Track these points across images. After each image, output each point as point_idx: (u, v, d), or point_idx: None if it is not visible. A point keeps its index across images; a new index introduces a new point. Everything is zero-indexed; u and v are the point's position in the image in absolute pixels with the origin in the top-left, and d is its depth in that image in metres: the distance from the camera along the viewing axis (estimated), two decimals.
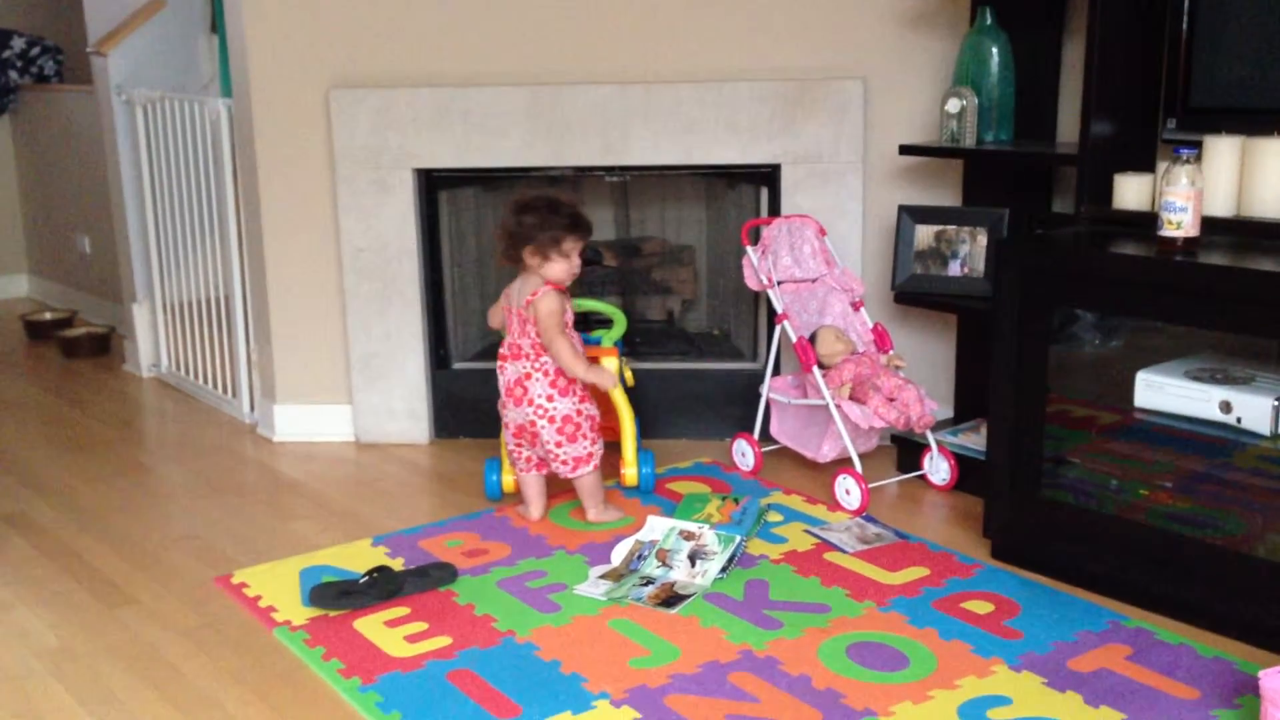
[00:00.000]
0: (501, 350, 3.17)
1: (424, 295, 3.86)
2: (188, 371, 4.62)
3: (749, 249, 3.55)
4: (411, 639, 2.64)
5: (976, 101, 3.36)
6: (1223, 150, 2.75)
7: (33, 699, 2.46)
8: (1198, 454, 2.82)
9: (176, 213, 4.46)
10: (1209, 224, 2.70)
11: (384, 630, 2.68)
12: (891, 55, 3.61)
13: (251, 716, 2.38)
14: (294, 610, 2.79)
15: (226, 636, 2.70)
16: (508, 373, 3.15)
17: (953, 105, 3.38)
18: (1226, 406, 2.67)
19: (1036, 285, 2.82)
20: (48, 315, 5.61)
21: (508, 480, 3.34)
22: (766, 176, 3.75)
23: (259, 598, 2.86)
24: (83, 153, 5.50)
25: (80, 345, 5.18)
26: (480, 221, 4.11)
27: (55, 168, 5.92)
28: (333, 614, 2.76)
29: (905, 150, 3.48)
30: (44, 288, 6.30)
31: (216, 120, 4.07)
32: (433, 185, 3.84)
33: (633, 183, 4.06)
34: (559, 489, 3.42)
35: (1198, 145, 2.72)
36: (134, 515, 3.42)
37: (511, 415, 3.17)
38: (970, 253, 3.44)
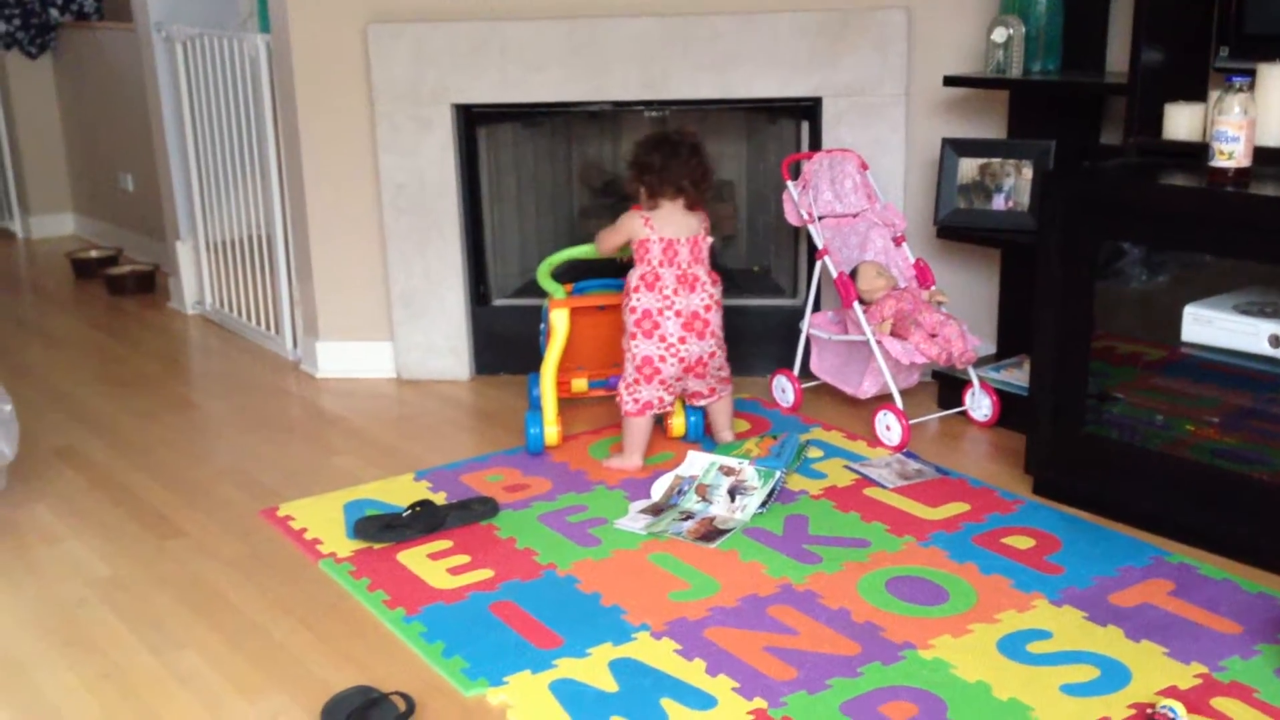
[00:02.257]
0: (660, 286, 3.09)
1: (464, 232, 3.86)
2: (231, 308, 4.66)
3: (789, 184, 3.52)
4: (454, 571, 2.67)
5: (1023, 30, 3.29)
6: (1276, 78, 2.67)
7: (85, 627, 2.52)
8: (1245, 389, 2.78)
9: (218, 150, 4.47)
10: (1262, 154, 2.64)
11: (427, 563, 2.71)
12: None
13: (299, 645, 2.42)
14: (339, 543, 2.83)
15: (273, 568, 2.75)
16: (681, 307, 3.10)
17: (999, 34, 3.32)
18: (1276, 340, 2.63)
19: (1083, 218, 2.78)
20: (93, 253, 5.67)
21: (550, 432, 3.29)
22: (807, 110, 3.70)
23: (304, 530, 2.90)
24: (124, 90, 5.53)
25: (125, 283, 5.24)
26: (519, 157, 4.09)
27: (98, 106, 5.95)
28: (377, 547, 2.80)
29: (949, 81, 3.42)
30: (89, 226, 6.36)
31: (255, 56, 4.06)
32: (472, 121, 3.83)
33: (672, 118, 4.02)
34: (601, 424, 3.45)
35: (1251, 73, 2.65)
36: (181, 449, 3.47)
37: (693, 349, 3.13)
38: (1015, 186, 3.39)
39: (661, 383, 3.15)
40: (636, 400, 3.14)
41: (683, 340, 3.11)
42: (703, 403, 3.29)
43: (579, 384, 3.54)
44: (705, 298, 3.13)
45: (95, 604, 2.61)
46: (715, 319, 3.16)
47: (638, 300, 3.12)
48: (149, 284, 5.26)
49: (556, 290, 3.41)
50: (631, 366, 3.15)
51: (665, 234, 3.11)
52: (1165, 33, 2.92)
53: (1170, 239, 2.75)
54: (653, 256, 3.11)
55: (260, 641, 2.44)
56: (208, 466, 3.35)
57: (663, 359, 3.12)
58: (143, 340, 4.59)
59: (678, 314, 3.10)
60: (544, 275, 3.45)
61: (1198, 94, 2.94)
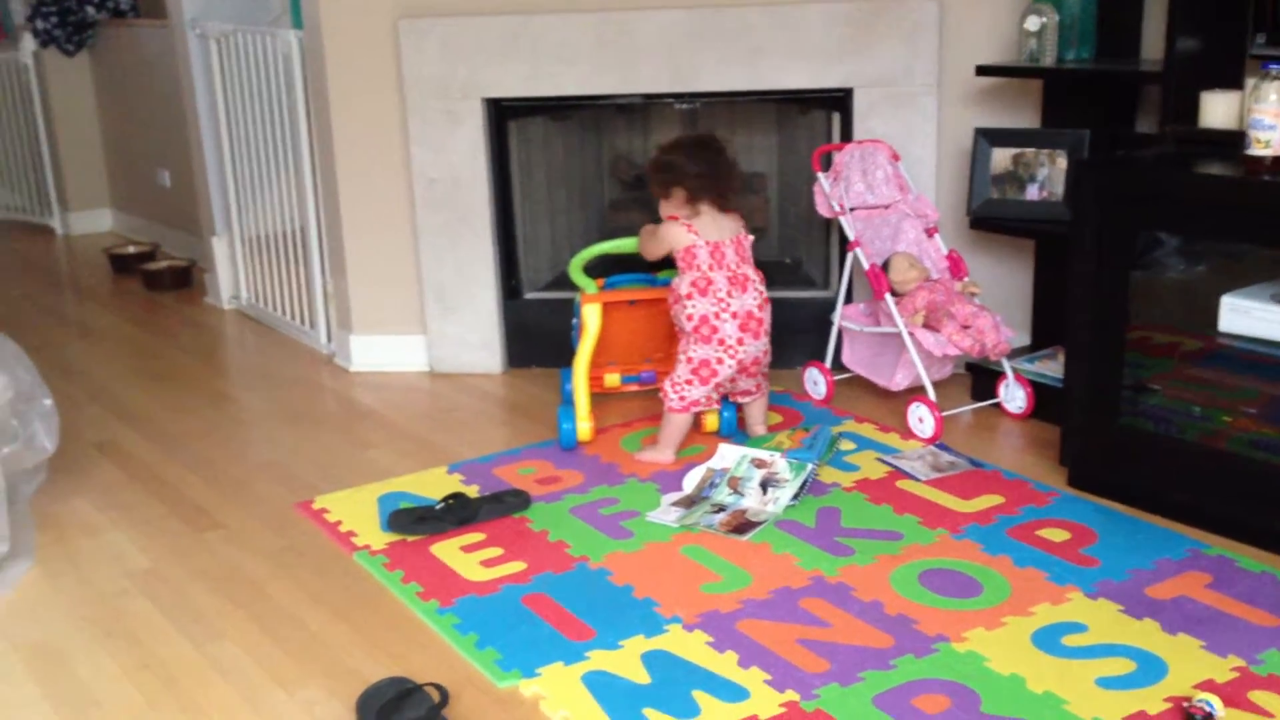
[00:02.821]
0: (714, 290, 3.08)
1: (495, 226, 3.87)
2: (266, 303, 4.70)
3: (820, 175, 3.51)
4: (487, 564, 2.69)
5: (1057, 18, 3.26)
6: None
7: (125, 618, 2.55)
8: None
9: (252, 146, 4.51)
10: None
11: (460, 555, 2.73)
12: None
13: (334, 635, 2.45)
14: (373, 535, 2.85)
15: (309, 560, 2.77)
16: (736, 309, 3.10)
17: (1032, 23, 3.29)
18: None
19: (1118, 208, 2.75)
20: (131, 249, 5.73)
21: (583, 428, 3.28)
22: (839, 101, 3.68)
23: (339, 523, 2.93)
24: (160, 87, 5.58)
25: (162, 278, 5.29)
26: (549, 151, 4.10)
27: (134, 102, 6.01)
28: (410, 539, 2.82)
29: (982, 71, 3.40)
30: (127, 222, 6.43)
31: (288, 53, 4.09)
32: (502, 115, 3.84)
33: (702, 110, 4.02)
34: (633, 417, 3.46)
35: None
36: (218, 442, 3.51)
37: (750, 349, 3.13)
38: (1049, 176, 3.37)
39: (716, 385, 3.15)
40: (683, 398, 3.14)
41: (740, 342, 3.11)
42: (748, 400, 3.29)
43: (611, 379, 3.54)
44: (757, 296, 3.14)
45: (135, 595, 2.65)
46: (767, 317, 3.17)
47: (693, 308, 3.11)
48: (186, 279, 5.31)
49: (588, 285, 3.41)
50: (686, 368, 3.14)
51: (710, 237, 3.11)
52: (1201, 20, 2.89)
53: (1206, 228, 2.72)
54: (701, 262, 3.11)
55: (296, 633, 2.47)
56: (244, 460, 3.38)
57: (720, 361, 3.12)
58: (180, 335, 4.64)
59: (734, 315, 3.10)
60: (575, 270, 3.46)
61: (1234, 82, 2.91)
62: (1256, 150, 2.56)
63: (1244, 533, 2.64)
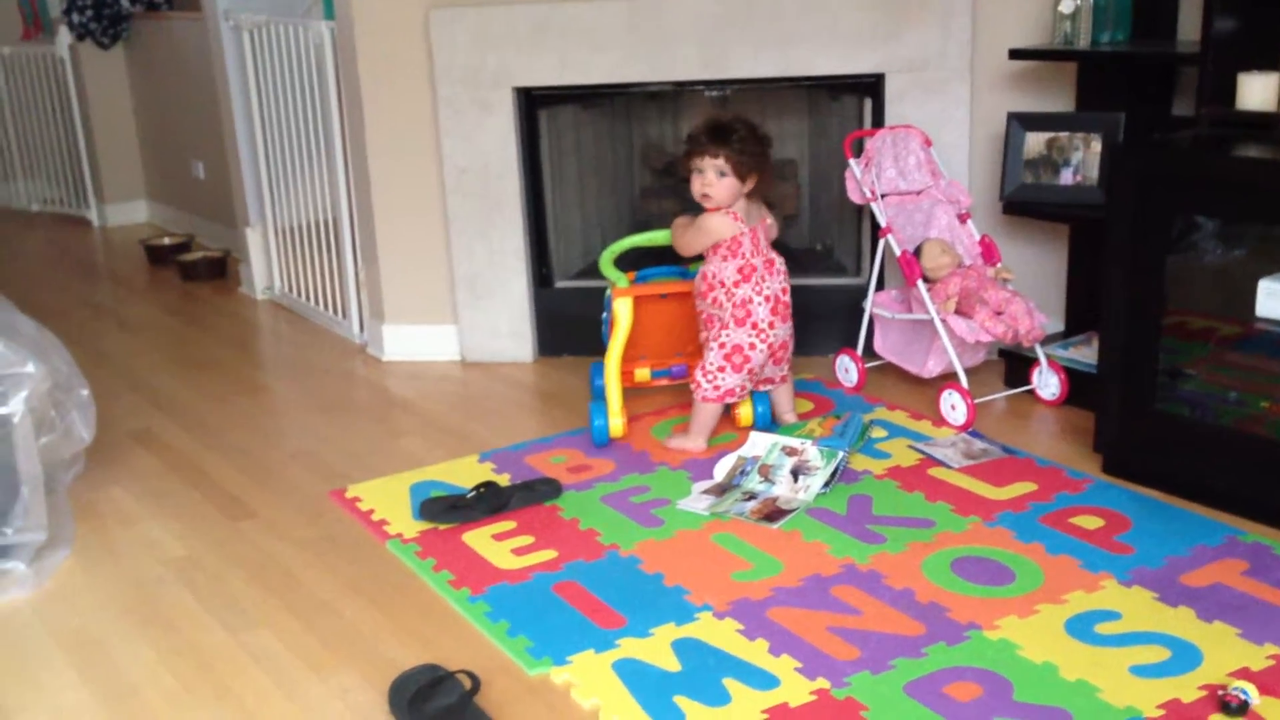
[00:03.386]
0: (755, 275, 3.10)
1: (526, 214, 3.88)
2: (300, 293, 4.74)
3: (852, 161, 3.49)
4: (518, 552, 2.70)
5: (1091, 0, 3.22)
6: None
7: (161, 606, 2.58)
8: None
9: (285, 137, 4.53)
10: None
11: (492, 543, 2.74)
12: None
13: (367, 623, 2.47)
14: (405, 523, 2.87)
15: (342, 548, 2.79)
16: (768, 293, 3.12)
17: (1066, 5, 3.25)
18: None
19: (1154, 192, 2.72)
20: (166, 240, 5.78)
21: (615, 424, 3.25)
22: (870, 87, 3.66)
23: (372, 511, 2.95)
24: (194, 79, 5.62)
25: (197, 269, 5.34)
26: (580, 139, 4.10)
27: (169, 94, 6.06)
28: (442, 527, 2.83)
29: (1015, 54, 3.36)
30: (162, 213, 6.49)
31: (320, 44, 4.11)
32: (533, 104, 3.84)
33: (733, 96, 4.00)
34: (664, 406, 3.46)
35: None
36: (252, 431, 3.54)
37: (780, 333, 3.16)
38: (1083, 160, 3.33)
39: (749, 371, 3.14)
40: (717, 387, 3.14)
41: (771, 325, 3.12)
42: (771, 388, 3.28)
43: (642, 374, 3.52)
44: (782, 279, 3.15)
45: (171, 583, 2.68)
46: (789, 299, 3.18)
47: (739, 292, 3.12)
48: (220, 270, 5.36)
49: (619, 279, 3.40)
50: (719, 354, 3.14)
51: (751, 224, 3.12)
52: (1238, 0, 2.84)
53: (1244, 212, 2.68)
54: (746, 250, 3.11)
55: (330, 620, 2.49)
56: (278, 448, 3.41)
57: (752, 346, 3.12)
58: (215, 325, 4.68)
59: (766, 299, 3.11)
60: (606, 263, 3.45)
61: (1271, 62, 2.86)
62: None
63: None
